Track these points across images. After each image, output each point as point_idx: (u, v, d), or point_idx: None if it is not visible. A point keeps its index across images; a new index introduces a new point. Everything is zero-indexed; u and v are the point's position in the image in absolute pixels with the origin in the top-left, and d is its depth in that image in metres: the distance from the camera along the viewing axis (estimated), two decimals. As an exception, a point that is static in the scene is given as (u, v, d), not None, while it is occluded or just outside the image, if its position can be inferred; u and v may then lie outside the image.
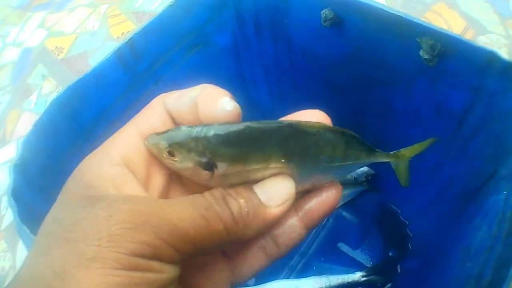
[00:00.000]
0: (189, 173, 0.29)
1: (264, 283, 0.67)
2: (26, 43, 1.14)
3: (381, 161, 0.35)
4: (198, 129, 0.27)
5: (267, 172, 0.28)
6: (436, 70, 0.48)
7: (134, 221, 0.23)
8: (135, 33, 0.51)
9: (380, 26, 0.49)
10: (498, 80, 0.44)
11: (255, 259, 0.31)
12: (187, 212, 0.25)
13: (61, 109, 0.47)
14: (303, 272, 0.69)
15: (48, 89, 1.04)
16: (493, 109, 0.46)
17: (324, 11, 0.53)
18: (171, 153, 0.28)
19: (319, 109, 0.30)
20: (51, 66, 1.08)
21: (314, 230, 0.72)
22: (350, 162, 0.31)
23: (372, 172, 0.74)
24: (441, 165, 0.59)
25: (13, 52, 1.14)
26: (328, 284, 0.65)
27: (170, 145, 0.27)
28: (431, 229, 0.64)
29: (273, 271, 0.69)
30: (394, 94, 0.56)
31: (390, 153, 0.36)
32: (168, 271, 0.24)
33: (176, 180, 0.32)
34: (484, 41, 0.90)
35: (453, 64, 0.46)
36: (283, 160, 0.28)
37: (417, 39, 0.46)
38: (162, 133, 0.28)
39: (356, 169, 0.39)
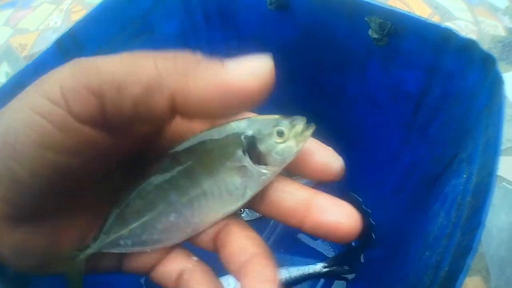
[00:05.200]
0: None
1: (222, 276, 0.64)
2: (-8, 42, 1.16)
3: None
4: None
5: None
6: (388, 50, 0.46)
7: None
8: (76, 23, 0.49)
9: (327, 7, 0.48)
10: (455, 59, 0.42)
11: None
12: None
13: (4, 100, 0.45)
14: (263, 263, 0.66)
15: (10, 86, 1.03)
16: (450, 91, 0.45)
17: (269, -7, 0.51)
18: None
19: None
20: (15, 64, 1.08)
21: (271, 221, 0.70)
22: None
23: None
24: (402, 151, 0.58)
25: (-20, 51, 1.15)
26: (288, 275, 0.64)
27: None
28: (394, 217, 0.62)
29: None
30: (347, 78, 0.54)
31: None
32: None
33: None
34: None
35: (406, 43, 0.45)
36: None
37: (365, 18, 0.45)
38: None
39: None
